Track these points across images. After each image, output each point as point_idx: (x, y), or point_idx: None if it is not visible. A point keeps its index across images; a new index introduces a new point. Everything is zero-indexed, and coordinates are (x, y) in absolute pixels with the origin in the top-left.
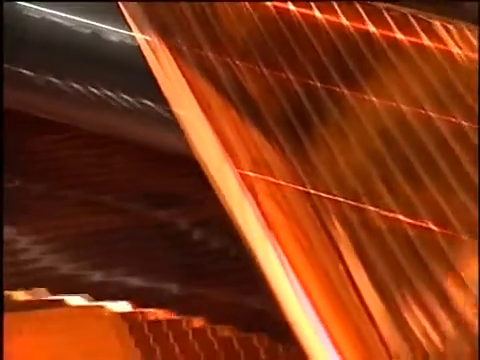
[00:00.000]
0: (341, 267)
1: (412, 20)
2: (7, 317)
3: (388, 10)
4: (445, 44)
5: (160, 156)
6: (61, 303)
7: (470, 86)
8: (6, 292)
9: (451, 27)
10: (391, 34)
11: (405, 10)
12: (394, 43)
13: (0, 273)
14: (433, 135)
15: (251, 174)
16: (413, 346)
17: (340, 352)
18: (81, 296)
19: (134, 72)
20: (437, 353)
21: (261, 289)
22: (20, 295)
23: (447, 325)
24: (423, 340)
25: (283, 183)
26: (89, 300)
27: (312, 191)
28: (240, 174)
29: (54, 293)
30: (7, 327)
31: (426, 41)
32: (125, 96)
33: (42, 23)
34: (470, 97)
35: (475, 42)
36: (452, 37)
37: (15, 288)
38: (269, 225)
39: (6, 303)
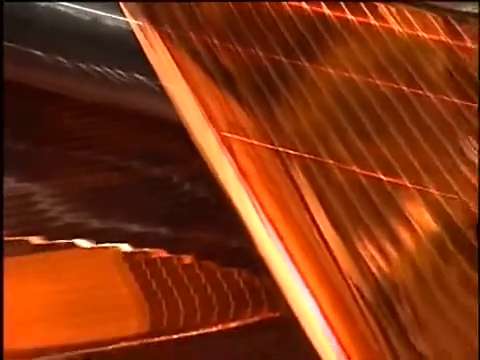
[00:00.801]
0: (305, 211)
1: (361, 4)
2: (17, 260)
3: None
4: (388, 23)
5: (152, 122)
6: (68, 246)
7: (408, 56)
8: (18, 237)
9: (393, 9)
10: (343, 16)
11: None
12: (346, 23)
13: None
14: (380, 99)
15: (228, 135)
16: (364, 270)
17: (304, 278)
18: (86, 240)
19: (128, 52)
20: (383, 275)
21: (239, 231)
22: (31, 240)
23: (392, 255)
24: (372, 265)
25: (255, 142)
26: (93, 243)
27: (280, 148)
28: (219, 135)
29: (61, 238)
30: (16, 269)
31: (372, 21)
32: (120, 72)
33: (48, 11)
34: (409, 66)
35: (413, 20)
36: (394, 17)
37: (25, 234)
38: (244, 177)
39: (18, 247)
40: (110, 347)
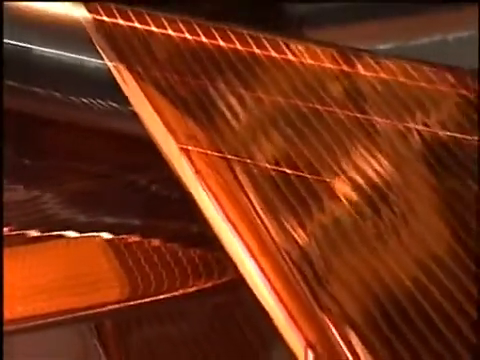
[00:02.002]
0: (247, 199)
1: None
2: (17, 249)
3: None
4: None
5: (126, 139)
6: (60, 236)
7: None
8: (19, 231)
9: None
10: (266, 53)
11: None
12: (265, 58)
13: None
14: (296, 112)
15: (186, 146)
16: (291, 239)
17: (249, 249)
18: (75, 231)
19: (106, 86)
20: (304, 241)
21: (197, 218)
22: (30, 232)
23: (311, 226)
24: (296, 235)
25: (208, 151)
26: (81, 233)
27: (226, 154)
28: (179, 146)
29: (55, 230)
30: (17, 254)
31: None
32: (100, 101)
33: (44, 56)
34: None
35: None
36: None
37: (25, 228)
38: (200, 177)
39: (18, 239)
40: (98, 310)
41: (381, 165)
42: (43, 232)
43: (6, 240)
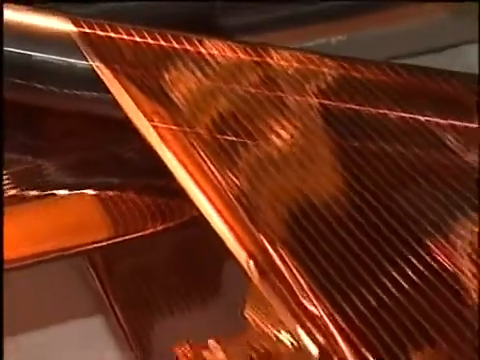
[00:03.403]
0: (197, 153)
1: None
2: (14, 207)
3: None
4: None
5: (108, 122)
6: (51, 195)
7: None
8: (13, 191)
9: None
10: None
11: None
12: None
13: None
14: (227, 93)
15: (158, 124)
16: (239, 185)
17: (206, 194)
18: (67, 190)
19: (91, 80)
20: (251, 184)
21: (168, 176)
22: (26, 193)
23: (258, 172)
24: (244, 180)
25: (173, 127)
26: (71, 191)
27: (187, 129)
28: (152, 125)
29: (51, 189)
30: (13, 214)
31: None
32: (87, 93)
33: (44, 61)
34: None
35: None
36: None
37: (22, 190)
38: (168, 147)
39: (17, 199)
40: (87, 247)
41: (290, 130)
42: (40, 192)
43: (10, 200)
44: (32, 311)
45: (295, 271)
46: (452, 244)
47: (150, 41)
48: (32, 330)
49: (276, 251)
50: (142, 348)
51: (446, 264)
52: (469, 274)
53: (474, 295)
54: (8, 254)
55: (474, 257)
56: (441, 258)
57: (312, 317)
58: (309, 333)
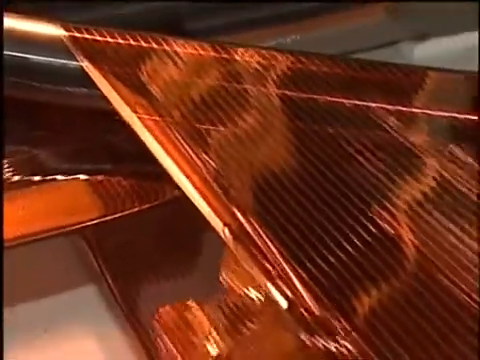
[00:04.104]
0: (175, 138)
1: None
2: (14, 192)
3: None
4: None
5: (97, 113)
6: (50, 180)
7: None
8: (14, 178)
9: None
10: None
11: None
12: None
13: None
14: (195, 86)
15: (141, 115)
16: (213, 164)
17: (186, 175)
18: (61, 175)
19: (82, 78)
20: (225, 162)
21: (152, 160)
22: (26, 178)
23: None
24: (216, 158)
25: (149, 112)
26: (65, 176)
27: (158, 114)
28: (136, 114)
29: (44, 176)
30: (13, 198)
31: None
32: (77, 89)
33: (41, 62)
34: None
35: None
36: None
37: (23, 176)
38: (148, 128)
39: (18, 184)
40: (80, 225)
41: (255, 116)
42: (38, 178)
43: (10, 185)
44: (31, 283)
45: (264, 236)
46: (392, 213)
47: (132, 42)
48: (31, 300)
49: (247, 220)
50: (131, 310)
51: (387, 230)
52: (406, 239)
53: (409, 254)
54: (8, 234)
55: (411, 225)
56: (383, 225)
57: (280, 275)
58: (278, 288)
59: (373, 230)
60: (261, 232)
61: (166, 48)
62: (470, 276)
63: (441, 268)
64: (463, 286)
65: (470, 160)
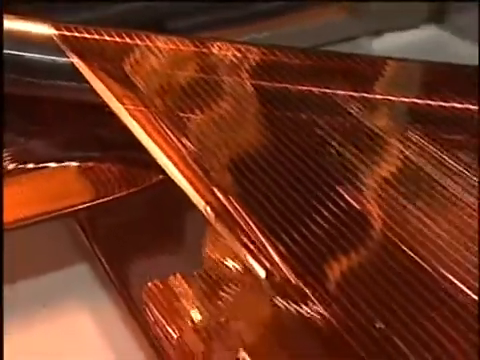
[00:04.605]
0: (159, 125)
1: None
2: (13, 178)
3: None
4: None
5: (87, 106)
6: (43, 167)
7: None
8: (11, 166)
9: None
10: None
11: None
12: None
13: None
14: (175, 78)
15: (129, 106)
16: (197, 150)
17: (171, 159)
18: (54, 163)
19: (72, 74)
20: (207, 147)
21: (139, 148)
22: (23, 166)
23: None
24: (198, 144)
25: (135, 103)
26: (58, 164)
27: (143, 104)
28: (124, 106)
29: (39, 164)
30: (11, 184)
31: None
32: (68, 83)
33: (39, 60)
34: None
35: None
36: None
37: (20, 163)
38: (134, 117)
39: (16, 171)
40: (73, 209)
41: (232, 104)
42: (33, 166)
43: (8, 173)
44: (30, 263)
45: (243, 213)
46: (360, 190)
47: (117, 39)
48: (30, 278)
49: (227, 198)
50: (122, 285)
51: (356, 205)
52: (373, 213)
53: (376, 226)
54: (8, 217)
55: (377, 200)
56: (352, 201)
57: (258, 247)
58: (256, 260)
59: (343, 206)
60: (240, 209)
61: (149, 44)
62: (431, 244)
63: (405, 238)
64: (424, 253)
65: (428, 141)
